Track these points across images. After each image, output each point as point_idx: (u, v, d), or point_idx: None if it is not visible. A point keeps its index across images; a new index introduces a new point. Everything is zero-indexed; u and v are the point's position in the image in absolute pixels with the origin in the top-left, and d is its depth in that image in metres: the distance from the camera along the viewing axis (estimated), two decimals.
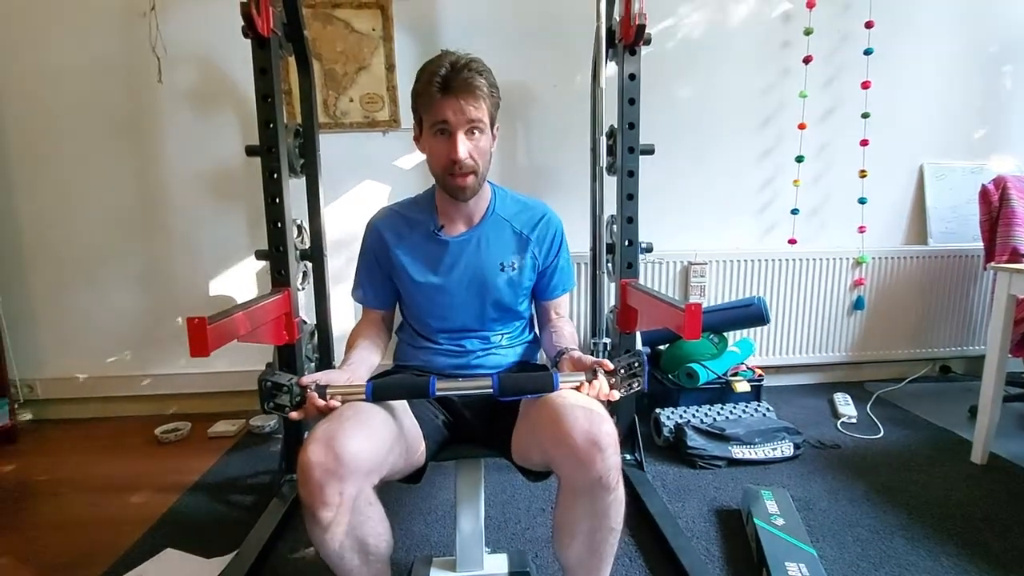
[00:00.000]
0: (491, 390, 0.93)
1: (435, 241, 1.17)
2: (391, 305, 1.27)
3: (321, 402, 0.92)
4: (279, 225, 1.58)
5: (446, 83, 1.01)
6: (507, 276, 1.18)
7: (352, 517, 0.87)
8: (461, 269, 1.16)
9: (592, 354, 2.00)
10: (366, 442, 0.87)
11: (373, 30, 2.19)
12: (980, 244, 2.25)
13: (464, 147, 1.04)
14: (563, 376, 0.94)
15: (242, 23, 1.43)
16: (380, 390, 0.95)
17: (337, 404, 0.93)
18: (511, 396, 0.95)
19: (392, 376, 1.17)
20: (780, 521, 1.41)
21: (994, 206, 2.15)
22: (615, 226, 1.72)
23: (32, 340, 2.29)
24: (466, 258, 1.17)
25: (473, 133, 1.05)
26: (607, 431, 0.86)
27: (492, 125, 1.10)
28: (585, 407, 0.89)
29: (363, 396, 0.93)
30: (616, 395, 0.94)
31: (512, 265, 1.18)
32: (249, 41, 1.49)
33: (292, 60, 1.83)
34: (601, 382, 0.94)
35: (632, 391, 0.95)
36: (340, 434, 0.85)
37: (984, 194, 2.18)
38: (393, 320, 1.30)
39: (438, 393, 0.93)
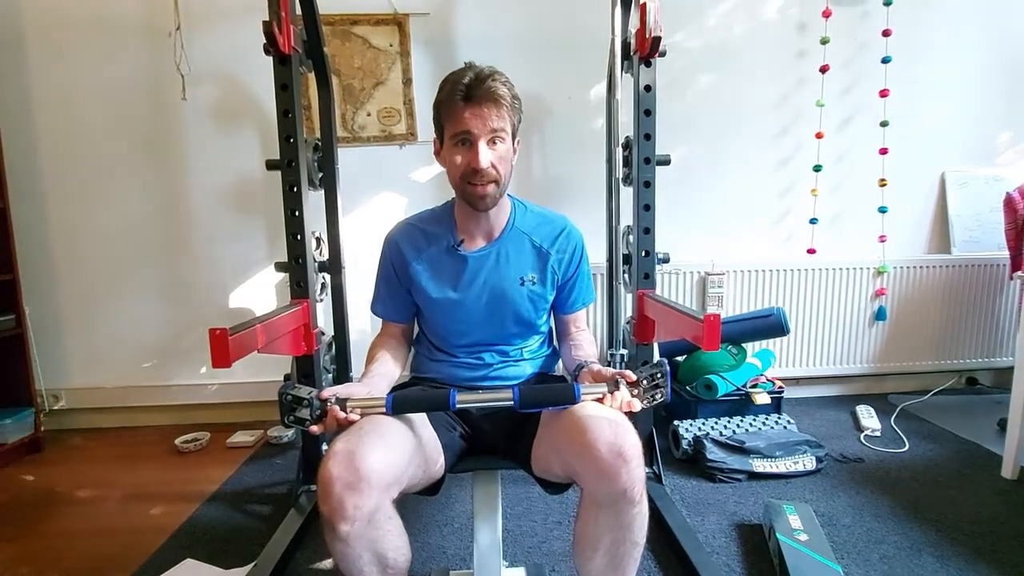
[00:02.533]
0: (511, 403, 0.92)
1: (454, 256, 1.17)
2: (410, 318, 1.27)
3: (341, 415, 0.92)
4: (298, 237, 1.60)
5: (469, 91, 1.02)
6: (526, 291, 1.17)
7: (371, 531, 0.87)
8: (480, 285, 1.16)
9: (609, 365, 2.00)
10: (385, 456, 0.87)
11: (390, 46, 2.22)
12: (1006, 253, 2.20)
13: (486, 156, 1.04)
14: (584, 388, 0.93)
15: (264, 41, 1.46)
16: (400, 403, 0.94)
17: (356, 418, 0.93)
18: (532, 408, 0.94)
19: (412, 389, 1.17)
20: (803, 536, 1.37)
21: (1019, 214, 2.11)
22: (632, 237, 1.72)
23: (58, 351, 2.34)
24: (485, 274, 1.16)
25: (495, 143, 1.05)
26: (632, 442, 0.86)
27: (514, 137, 1.10)
28: (610, 418, 0.88)
29: (383, 409, 0.93)
30: (638, 405, 0.93)
31: (532, 280, 1.17)
32: (271, 58, 1.53)
33: (311, 76, 1.86)
34: (623, 393, 0.93)
35: (655, 402, 0.94)
36: (360, 448, 0.85)
37: (1009, 202, 2.14)
38: (412, 333, 1.30)
39: (458, 406, 0.93)
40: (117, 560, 1.46)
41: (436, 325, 1.21)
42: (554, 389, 0.94)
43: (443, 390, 0.95)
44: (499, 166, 1.06)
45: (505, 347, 1.20)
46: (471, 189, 1.07)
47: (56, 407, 2.35)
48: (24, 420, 2.13)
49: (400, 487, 0.92)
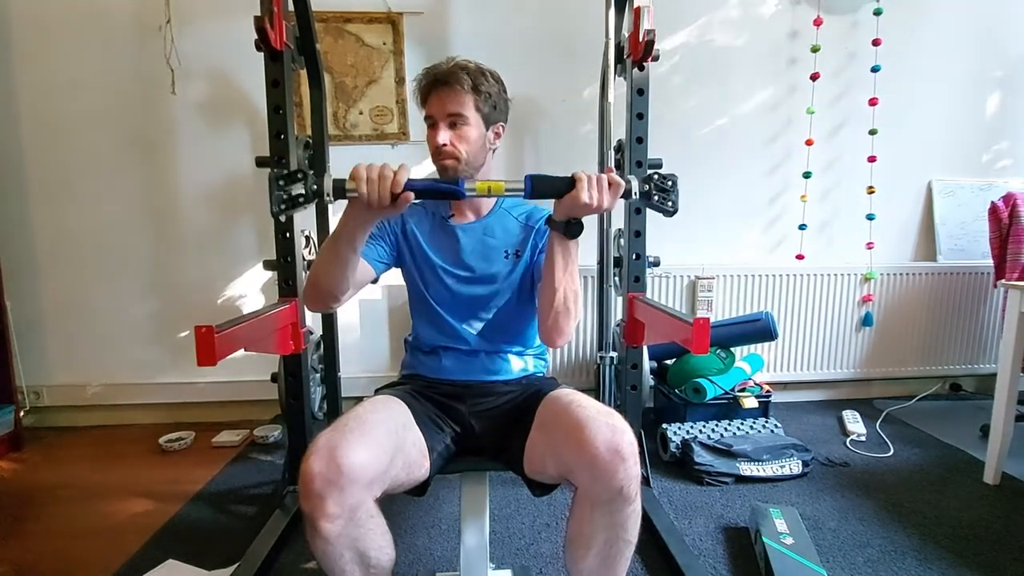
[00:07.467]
0: (523, 193, 0.96)
1: (444, 228, 1.22)
2: (374, 275, 1.18)
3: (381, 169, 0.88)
4: (287, 236, 1.59)
5: (433, 78, 1.12)
6: (512, 263, 1.20)
7: (353, 529, 0.87)
8: (468, 254, 1.19)
9: (598, 369, 2.00)
10: (368, 453, 0.87)
11: (384, 44, 2.22)
12: (990, 261, 2.23)
13: (445, 135, 1.11)
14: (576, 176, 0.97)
15: (255, 36, 1.45)
16: (413, 184, 0.89)
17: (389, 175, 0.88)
18: (540, 196, 0.98)
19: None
20: (789, 540, 1.38)
21: (1004, 223, 2.14)
22: (622, 240, 1.72)
23: (40, 347, 2.30)
24: (473, 244, 1.20)
25: (455, 125, 1.12)
26: (629, 441, 0.87)
27: (487, 121, 1.15)
28: (607, 420, 0.89)
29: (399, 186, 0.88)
30: (621, 183, 0.96)
31: (517, 253, 1.20)
32: (262, 54, 1.52)
33: (303, 73, 1.85)
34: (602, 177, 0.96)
35: (661, 207, 1.00)
36: (342, 444, 0.85)
37: (993, 211, 2.17)
38: (362, 286, 1.17)
39: (468, 195, 0.95)
40: (98, 560, 1.43)
41: (427, 299, 1.20)
42: (558, 179, 0.98)
43: (452, 181, 0.96)
44: (458, 144, 1.12)
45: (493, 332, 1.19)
46: (437, 163, 1.15)
47: (37, 404, 2.31)
48: (4, 417, 2.09)
49: (383, 486, 0.91)
